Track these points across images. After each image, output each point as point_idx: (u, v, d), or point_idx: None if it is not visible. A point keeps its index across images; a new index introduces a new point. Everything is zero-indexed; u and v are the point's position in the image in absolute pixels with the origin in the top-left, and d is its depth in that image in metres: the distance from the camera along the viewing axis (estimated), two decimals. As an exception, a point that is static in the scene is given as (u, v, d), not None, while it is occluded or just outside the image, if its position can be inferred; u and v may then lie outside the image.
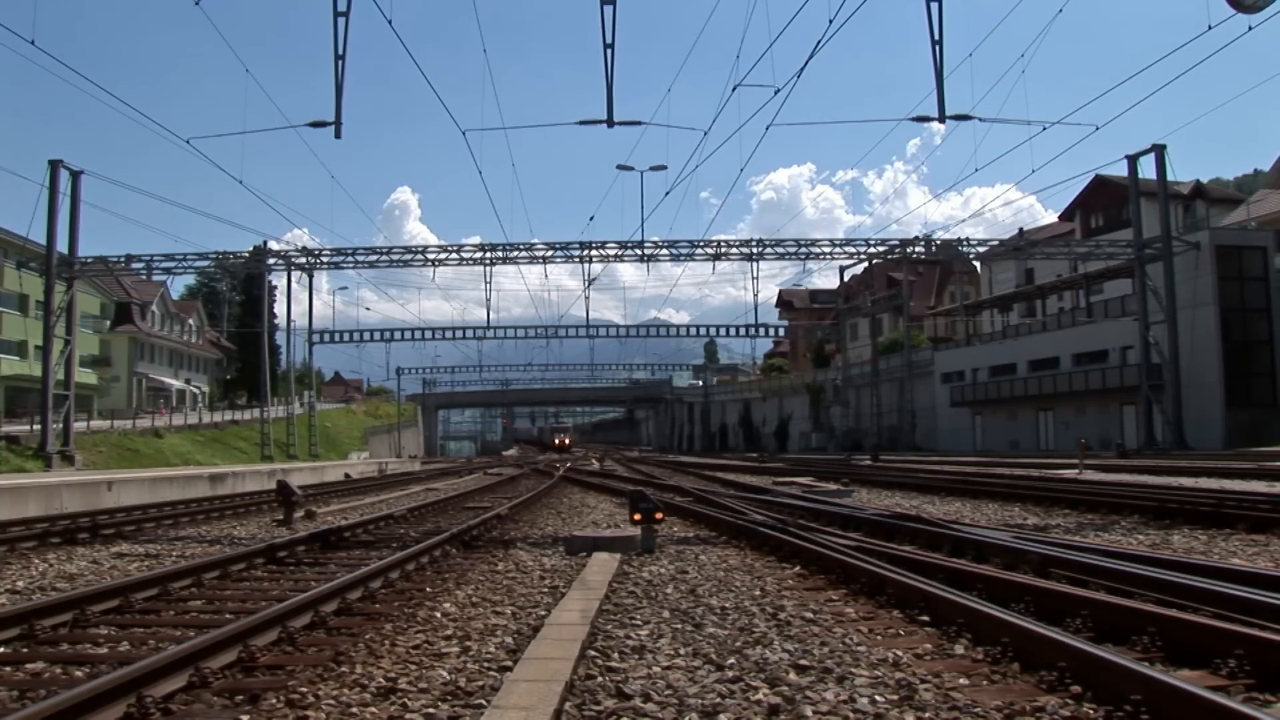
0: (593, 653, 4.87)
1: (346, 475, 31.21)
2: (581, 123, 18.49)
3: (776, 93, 16.63)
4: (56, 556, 9.91)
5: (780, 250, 42.42)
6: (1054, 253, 45.53)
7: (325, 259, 42.62)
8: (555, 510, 15.76)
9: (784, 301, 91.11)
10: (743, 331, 55.96)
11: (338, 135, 16.66)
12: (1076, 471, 21.88)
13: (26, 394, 45.86)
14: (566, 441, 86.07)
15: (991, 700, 3.86)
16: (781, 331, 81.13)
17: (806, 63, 14.97)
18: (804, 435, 71.58)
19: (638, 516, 9.48)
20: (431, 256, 41.17)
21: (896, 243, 44.67)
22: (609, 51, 15.53)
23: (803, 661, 4.59)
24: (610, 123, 16.73)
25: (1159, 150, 37.63)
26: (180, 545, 11.05)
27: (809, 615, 5.81)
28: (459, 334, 56.69)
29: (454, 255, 41.16)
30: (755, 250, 42.13)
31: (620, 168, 31.58)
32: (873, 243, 44.23)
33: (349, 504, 18.14)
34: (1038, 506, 13.87)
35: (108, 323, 60.75)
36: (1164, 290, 38.18)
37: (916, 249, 45.49)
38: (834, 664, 4.54)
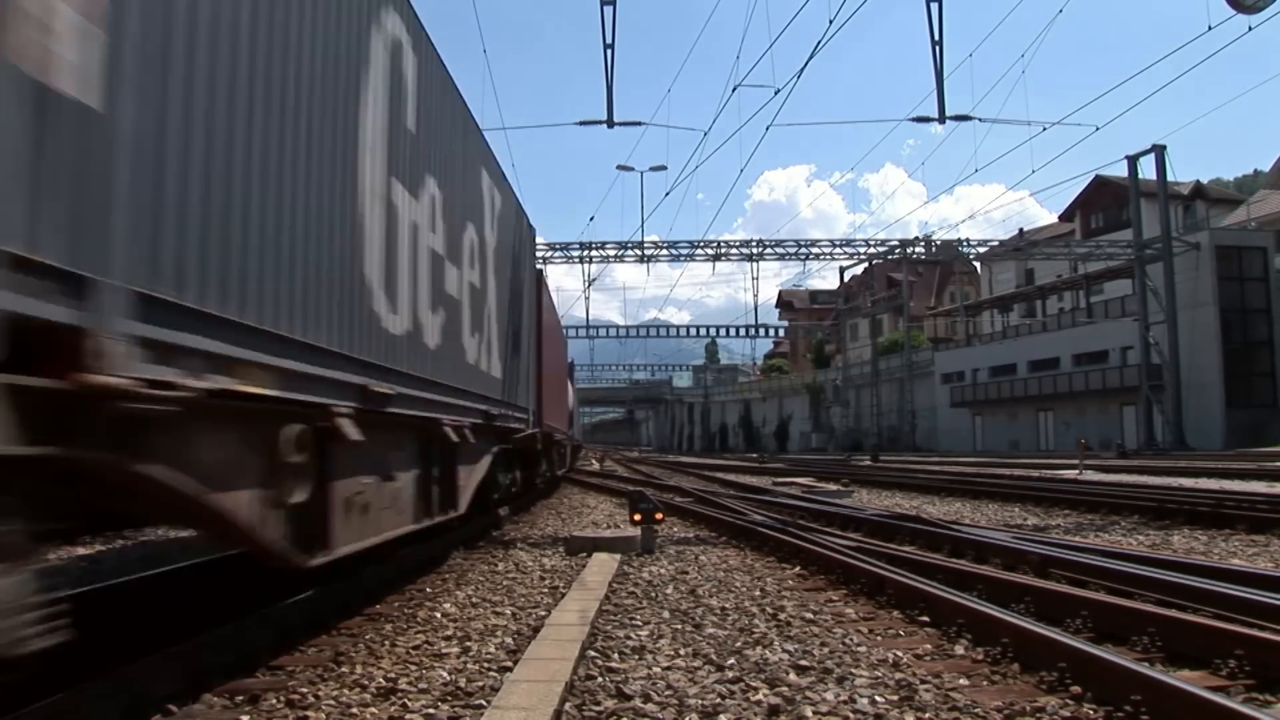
0: (593, 653, 4.87)
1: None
2: (581, 123, 18.59)
3: (776, 93, 16.70)
4: (56, 555, 9.90)
5: (780, 250, 42.48)
6: (1054, 253, 45.59)
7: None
8: (555, 510, 15.75)
9: (784, 302, 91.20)
10: (743, 332, 56.05)
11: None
12: (1076, 472, 21.88)
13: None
14: None
15: (991, 701, 3.86)
16: (781, 332, 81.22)
17: (806, 63, 15.03)
18: (804, 435, 71.65)
19: (638, 517, 9.47)
20: (431, 257, 41.16)
21: (896, 243, 44.76)
22: (609, 51, 15.57)
23: (803, 662, 4.59)
24: (610, 123, 16.77)
25: (1159, 150, 37.69)
26: (180, 544, 11.03)
27: (809, 616, 5.81)
28: (459, 334, 56.57)
29: (454, 255, 41.15)
30: (755, 250, 42.19)
31: (620, 168, 31.69)
32: (872, 243, 44.35)
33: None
34: (1038, 507, 13.86)
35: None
36: (1164, 290, 38.20)
37: (916, 249, 45.57)
38: (834, 664, 4.53)
